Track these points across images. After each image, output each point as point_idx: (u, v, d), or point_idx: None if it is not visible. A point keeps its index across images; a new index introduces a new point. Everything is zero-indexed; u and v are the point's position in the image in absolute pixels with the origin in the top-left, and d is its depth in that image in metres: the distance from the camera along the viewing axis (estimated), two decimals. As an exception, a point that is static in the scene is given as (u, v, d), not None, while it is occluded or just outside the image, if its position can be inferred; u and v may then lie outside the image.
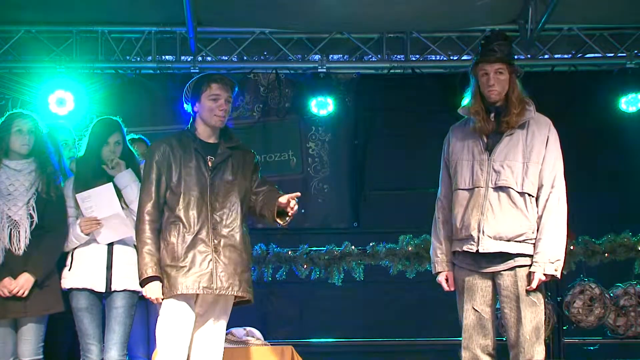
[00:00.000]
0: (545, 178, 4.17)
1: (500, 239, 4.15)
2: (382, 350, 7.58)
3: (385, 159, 7.78)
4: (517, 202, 4.15)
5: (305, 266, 7.02)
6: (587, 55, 7.50)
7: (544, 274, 4.09)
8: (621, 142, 7.61)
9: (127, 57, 7.37)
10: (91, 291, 4.63)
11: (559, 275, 4.13)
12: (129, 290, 4.63)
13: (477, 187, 4.22)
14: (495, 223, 4.15)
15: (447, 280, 4.39)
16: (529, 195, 4.16)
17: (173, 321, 4.17)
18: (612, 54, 7.41)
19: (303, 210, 7.81)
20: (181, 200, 4.22)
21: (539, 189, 4.18)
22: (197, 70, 7.22)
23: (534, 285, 4.10)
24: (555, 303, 6.81)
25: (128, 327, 4.65)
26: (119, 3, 6.82)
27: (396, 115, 7.80)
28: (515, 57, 7.23)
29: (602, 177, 7.60)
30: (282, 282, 7.07)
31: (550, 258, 4.09)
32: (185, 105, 4.45)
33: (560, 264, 4.10)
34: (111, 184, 4.65)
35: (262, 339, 5.56)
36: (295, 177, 7.85)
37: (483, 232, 4.16)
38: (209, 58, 7.47)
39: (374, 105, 7.85)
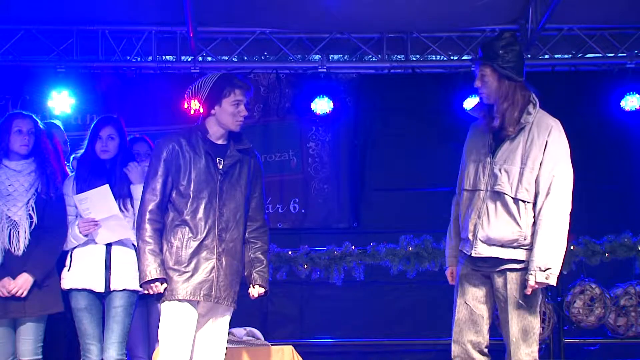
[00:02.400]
0: (541, 185, 4.05)
1: (493, 244, 4.12)
2: (382, 350, 7.56)
3: (385, 159, 7.76)
4: (511, 208, 4.08)
5: (305, 266, 7.02)
6: (588, 55, 7.50)
7: (536, 282, 4.00)
8: (621, 142, 7.61)
9: (128, 57, 7.37)
10: (90, 291, 4.62)
11: (553, 283, 4.02)
12: (128, 290, 4.62)
13: (478, 190, 4.18)
14: (488, 229, 4.12)
15: (452, 274, 4.41)
16: (523, 201, 4.07)
17: (176, 323, 4.14)
18: (612, 54, 7.41)
19: (303, 210, 7.82)
20: (189, 204, 4.15)
21: (536, 195, 4.06)
22: (198, 71, 7.23)
23: (527, 291, 4.04)
24: (555, 303, 6.81)
25: (127, 326, 4.64)
26: (119, 3, 6.82)
27: (396, 115, 7.79)
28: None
29: (602, 177, 7.59)
30: (282, 282, 7.06)
31: (541, 266, 3.99)
32: (191, 103, 4.40)
33: (554, 272, 3.99)
34: (107, 185, 4.63)
35: (262, 339, 5.54)
36: (295, 177, 7.85)
37: (477, 236, 4.14)
38: (209, 58, 7.47)
39: (374, 105, 7.84)
